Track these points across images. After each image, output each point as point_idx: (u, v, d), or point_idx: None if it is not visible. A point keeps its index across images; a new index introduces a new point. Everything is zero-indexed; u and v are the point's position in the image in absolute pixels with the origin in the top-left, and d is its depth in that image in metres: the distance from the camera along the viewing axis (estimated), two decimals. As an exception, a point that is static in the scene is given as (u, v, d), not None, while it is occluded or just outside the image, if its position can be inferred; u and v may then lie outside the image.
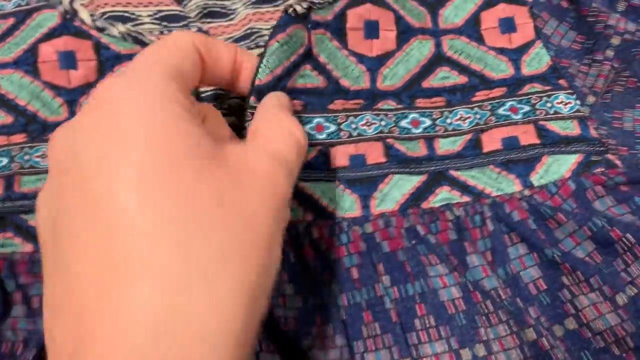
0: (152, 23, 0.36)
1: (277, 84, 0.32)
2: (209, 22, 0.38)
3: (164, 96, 0.22)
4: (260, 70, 0.31)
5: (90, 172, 0.20)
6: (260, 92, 0.32)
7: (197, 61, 0.26)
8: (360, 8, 0.34)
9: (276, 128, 0.26)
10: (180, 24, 0.36)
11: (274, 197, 0.22)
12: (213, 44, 0.27)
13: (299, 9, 0.33)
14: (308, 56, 0.33)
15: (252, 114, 0.31)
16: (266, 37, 0.35)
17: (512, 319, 0.28)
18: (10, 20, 0.34)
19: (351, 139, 0.33)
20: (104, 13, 0.36)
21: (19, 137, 0.32)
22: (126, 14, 0.36)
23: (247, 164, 0.22)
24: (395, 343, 0.27)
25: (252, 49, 0.36)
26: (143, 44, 0.33)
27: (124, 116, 0.21)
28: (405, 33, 0.34)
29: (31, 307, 0.28)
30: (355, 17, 0.34)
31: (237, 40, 0.36)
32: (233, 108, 0.33)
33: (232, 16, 0.38)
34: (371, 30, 0.34)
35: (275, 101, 0.29)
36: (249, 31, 0.36)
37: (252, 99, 0.32)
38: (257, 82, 0.32)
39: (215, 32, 0.37)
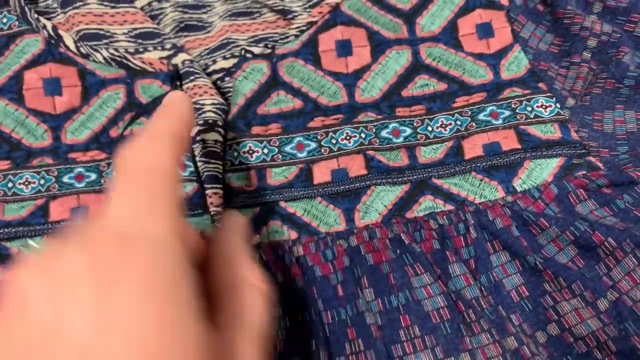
0: (128, 41, 0.37)
1: (248, 111, 0.34)
2: (185, 36, 0.38)
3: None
4: (230, 106, 0.33)
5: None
6: (235, 125, 0.34)
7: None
8: (330, 31, 0.35)
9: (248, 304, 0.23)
10: (156, 40, 0.37)
11: None
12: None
13: (257, 50, 0.35)
14: (278, 83, 0.34)
15: (231, 146, 0.33)
16: (241, 45, 0.36)
17: (494, 327, 0.28)
18: None
19: (332, 154, 0.33)
20: (78, 31, 0.36)
21: (3, 164, 0.33)
22: (101, 32, 0.37)
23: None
24: (377, 358, 0.28)
25: (227, 58, 0.36)
26: (128, 68, 0.34)
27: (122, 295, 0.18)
28: (379, 46, 0.35)
29: None
30: (326, 40, 0.35)
31: (213, 50, 0.37)
32: (209, 123, 0.34)
33: (209, 29, 0.39)
34: (344, 48, 0.35)
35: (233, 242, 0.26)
36: (225, 41, 0.37)
37: (229, 135, 0.34)
38: (229, 116, 0.34)
39: (192, 45, 0.38)
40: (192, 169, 0.33)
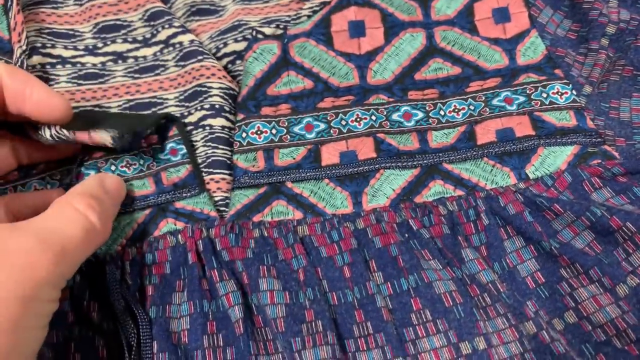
0: (144, 26, 0.37)
1: (257, 91, 0.34)
2: (197, 20, 0.39)
3: None
4: (241, 87, 0.34)
5: None
6: (244, 105, 0.34)
7: None
8: (344, 11, 0.36)
9: (62, 207, 0.26)
10: (164, 18, 0.37)
11: (26, 281, 0.22)
12: None
13: (268, 31, 0.36)
14: (288, 63, 0.35)
15: (240, 127, 0.33)
16: (253, 25, 0.37)
17: (510, 312, 0.28)
18: None
19: (341, 135, 0.33)
20: (96, 24, 0.37)
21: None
22: (118, 22, 0.37)
23: (4, 244, 0.23)
24: (387, 342, 0.27)
25: (239, 41, 0.37)
26: None
27: None
28: (393, 28, 0.35)
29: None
30: (339, 20, 0.36)
31: (224, 32, 0.37)
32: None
33: (221, 12, 0.39)
34: (357, 29, 0.35)
35: (86, 187, 0.28)
36: (236, 23, 0.37)
37: (239, 116, 0.34)
38: (239, 98, 0.34)
39: (203, 29, 0.38)
40: (184, 151, 0.33)
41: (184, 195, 0.32)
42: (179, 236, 0.30)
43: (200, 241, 0.30)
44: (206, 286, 0.29)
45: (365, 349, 0.27)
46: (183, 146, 0.33)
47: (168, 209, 0.31)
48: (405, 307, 0.28)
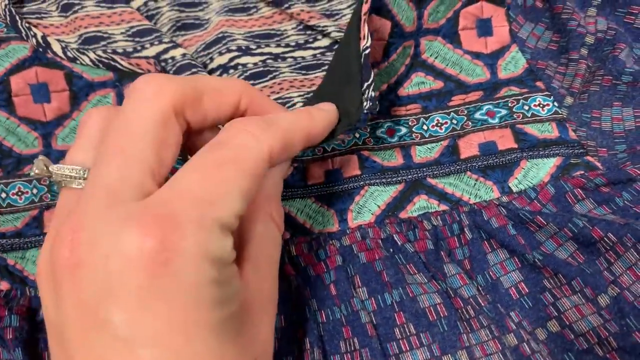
0: (125, 40, 0.39)
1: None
2: (182, 35, 0.40)
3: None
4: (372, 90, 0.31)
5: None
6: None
7: (177, 134, 0.25)
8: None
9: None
10: (153, 36, 0.39)
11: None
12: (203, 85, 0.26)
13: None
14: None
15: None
16: (238, 42, 0.38)
17: (493, 324, 0.29)
18: None
19: (326, 154, 0.35)
20: (80, 35, 0.38)
21: None
22: (99, 34, 0.39)
23: None
24: (372, 357, 0.29)
25: (223, 53, 0.38)
26: (116, 70, 0.36)
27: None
28: (394, 45, 0.36)
29: (4, 337, 0.30)
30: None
31: (209, 45, 0.39)
32: None
33: (205, 25, 0.40)
34: None
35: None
36: (220, 35, 0.39)
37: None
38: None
39: (189, 43, 0.40)
40: None
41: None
42: None
43: None
44: None
45: None
46: None
47: None
48: (388, 322, 0.29)
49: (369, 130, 0.35)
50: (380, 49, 0.36)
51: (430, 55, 0.37)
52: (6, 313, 0.30)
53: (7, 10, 0.37)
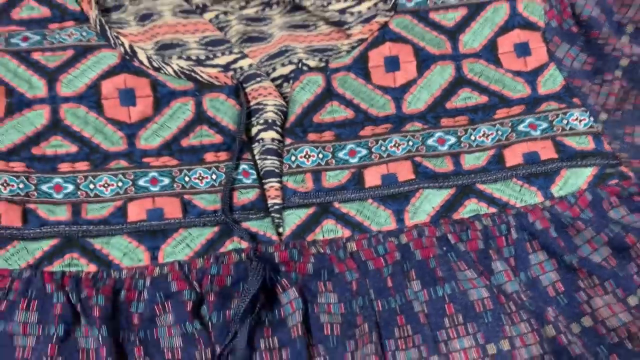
0: (199, 48, 0.42)
1: (304, 119, 0.39)
2: (248, 46, 0.44)
3: None
4: (288, 115, 0.38)
5: None
6: (292, 131, 0.38)
7: None
8: (380, 48, 0.40)
9: None
10: (224, 46, 0.42)
11: None
12: None
13: (312, 63, 0.40)
14: (332, 95, 0.39)
15: (289, 151, 0.38)
16: (299, 55, 0.42)
17: (533, 317, 0.33)
18: (70, 52, 0.40)
19: (382, 160, 0.38)
20: (157, 42, 0.42)
21: (83, 165, 0.38)
22: (175, 41, 0.42)
23: None
24: (423, 342, 0.32)
25: (285, 65, 0.42)
26: (196, 81, 0.39)
27: None
28: (425, 61, 0.40)
29: (91, 315, 0.34)
30: (376, 56, 0.40)
31: (272, 56, 0.42)
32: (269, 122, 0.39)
33: (269, 39, 0.44)
34: (392, 64, 0.40)
35: None
36: (283, 49, 0.42)
37: (287, 140, 0.38)
38: (287, 124, 0.38)
39: (254, 54, 0.43)
40: (255, 176, 0.38)
41: (251, 217, 0.37)
42: (243, 254, 0.35)
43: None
44: (264, 299, 0.34)
45: (404, 348, 0.32)
46: (254, 171, 0.37)
47: (235, 228, 0.36)
48: (439, 312, 0.33)
49: (421, 138, 0.38)
50: (413, 68, 0.40)
51: (475, 75, 0.40)
52: (93, 293, 0.34)
53: (97, 20, 0.40)
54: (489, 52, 0.41)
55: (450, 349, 0.32)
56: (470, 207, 0.37)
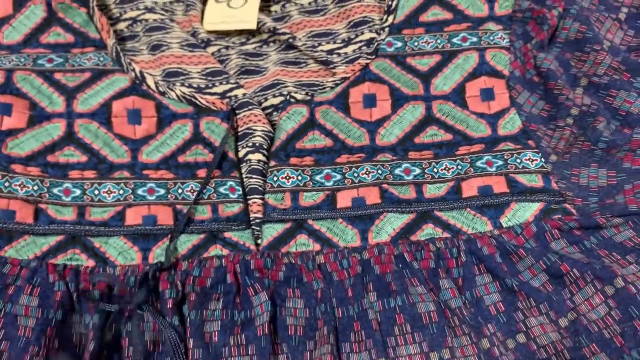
0: (200, 78, 0.47)
1: (288, 145, 0.43)
2: (245, 78, 0.49)
3: None
4: (274, 140, 0.43)
5: None
6: (276, 155, 0.43)
7: None
8: (360, 86, 0.45)
9: None
10: (222, 77, 0.47)
11: None
12: None
13: (299, 96, 0.45)
14: (314, 125, 0.44)
15: (272, 172, 0.43)
16: (289, 88, 0.46)
17: (473, 331, 0.36)
18: (87, 75, 0.45)
19: (353, 185, 0.42)
20: (164, 69, 0.47)
21: (90, 174, 0.43)
22: (180, 70, 0.47)
23: None
24: (374, 346, 0.36)
25: (276, 96, 0.46)
26: (195, 105, 0.44)
27: None
28: (399, 100, 0.45)
29: (88, 309, 0.38)
30: (356, 93, 0.45)
31: (265, 88, 0.47)
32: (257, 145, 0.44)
33: (264, 72, 0.49)
34: (369, 101, 0.45)
35: None
36: (275, 82, 0.47)
37: (271, 162, 0.43)
38: (273, 148, 0.43)
39: (249, 85, 0.48)
40: (240, 192, 0.42)
41: (233, 228, 0.41)
42: (223, 260, 0.40)
43: (238, 265, 0.39)
44: (238, 300, 0.38)
45: (357, 350, 0.36)
46: (240, 188, 0.42)
47: (218, 237, 0.41)
48: (390, 321, 0.37)
49: (389, 168, 0.43)
50: (388, 106, 0.45)
51: (442, 114, 0.44)
52: (90, 285, 0.39)
53: (114, 47, 0.46)
54: (457, 95, 0.45)
55: (397, 354, 0.36)
56: (427, 231, 0.41)
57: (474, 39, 0.46)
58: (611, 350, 0.35)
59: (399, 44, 0.47)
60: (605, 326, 0.36)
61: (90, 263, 0.40)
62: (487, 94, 0.45)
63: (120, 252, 0.40)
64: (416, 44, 0.47)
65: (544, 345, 0.36)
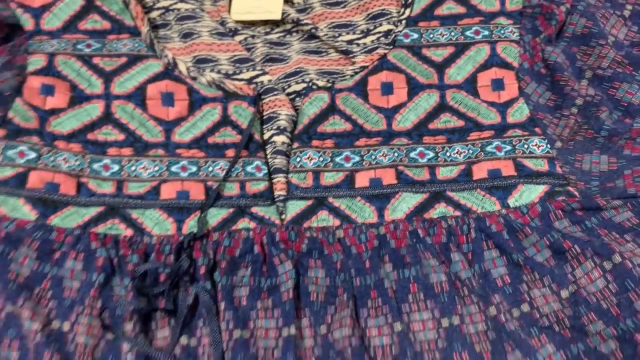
0: (228, 64, 0.50)
1: (310, 128, 0.46)
2: (270, 65, 0.52)
3: None
4: (297, 124, 0.46)
5: None
6: (299, 137, 0.46)
7: None
8: (378, 74, 0.48)
9: None
10: (249, 64, 0.50)
11: None
12: None
13: (320, 83, 0.48)
14: (334, 110, 0.47)
15: (295, 153, 0.46)
16: (311, 75, 0.49)
17: (481, 301, 0.39)
18: (123, 59, 0.48)
19: (371, 166, 0.45)
20: (195, 56, 0.50)
21: (127, 151, 0.46)
22: (209, 57, 0.50)
23: None
24: (390, 312, 0.39)
25: (298, 83, 0.49)
26: (224, 90, 0.47)
27: None
28: (415, 89, 0.48)
29: (126, 269, 0.41)
30: (374, 81, 0.48)
31: (288, 75, 0.50)
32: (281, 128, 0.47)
33: (287, 61, 0.52)
34: (387, 89, 0.48)
35: None
36: (298, 69, 0.50)
37: (295, 144, 0.46)
38: (296, 131, 0.46)
39: (274, 72, 0.51)
40: (266, 171, 0.45)
41: (259, 203, 0.44)
42: (250, 232, 0.43)
43: (265, 237, 0.42)
44: (265, 268, 0.42)
45: (374, 315, 0.39)
46: (265, 167, 0.45)
47: (246, 212, 0.44)
48: (404, 290, 0.40)
49: (405, 151, 0.46)
50: (404, 94, 0.48)
51: (455, 102, 0.47)
52: (129, 252, 0.42)
53: (148, 34, 0.49)
54: (469, 85, 0.48)
55: (411, 319, 0.39)
56: (439, 210, 0.44)
57: (486, 33, 0.49)
58: (608, 319, 0.38)
59: (415, 36, 0.50)
60: (603, 297, 0.39)
61: (129, 232, 0.43)
62: (498, 84, 0.48)
63: (156, 223, 0.43)
64: (431, 36, 0.50)
65: (546, 314, 0.39)
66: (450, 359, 0.38)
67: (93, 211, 0.43)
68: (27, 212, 0.43)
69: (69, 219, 0.43)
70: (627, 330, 0.37)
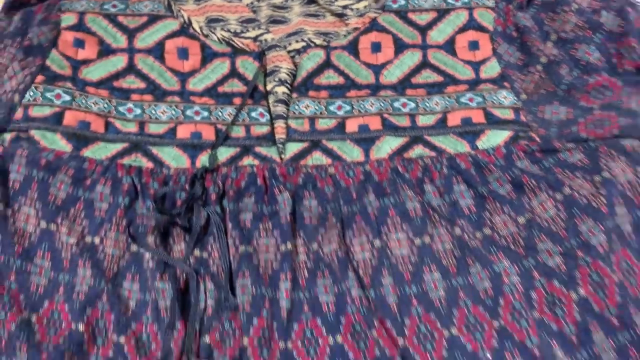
0: (236, 24, 0.57)
1: (307, 81, 0.53)
2: (273, 26, 0.58)
3: None
4: (296, 77, 0.52)
5: None
6: (298, 88, 0.52)
7: None
8: (369, 35, 0.54)
9: None
10: (255, 24, 0.57)
11: None
12: None
13: (317, 42, 0.54)
14: (329, 65, 0.54)
15: (294, 102, 0.52)
16: (309, 35, 0.56)
17: (449, 224, 0.46)
18: (144, 19, 0.55)
19: (359, 114, 0.52)
20: (207, 16, 0.57)
21: (148, 97, 0.53)
22: (220, 17, 0.57)
23: None
24: (370, 232, 0.46)
25: (298, 42, 0.56)
26: (232, 47, 0.54)
27: None
28: (400, 48, 0.54)
29: (147, 193, 0.48)
30: (365, 41, 0.54)
31: (290, 35, 0.57)
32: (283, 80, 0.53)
33: (288, 22, 0.58)
34: (376, 47, 0.54)
35: None
36: (298, 30, 0.57)
37: (294, 94, 0.52)
38: (295, 83, 0.52)
39: (277, 32, 0.58)
40: (268, 117, 0.52)
41: (262, 144, 0.51)
42: (254, 168, 0.50)
43: (266, 172, 0.49)
44: (266, 198, 0.48)
45: (357, 235, 0.46)
46: (268, 114, 0.52)
47: (250, 151, 0.50)
48: (383, 214, 0.47)
49: (389, 102, 0.53)
50: (391, 52, 0.54)
51: (436, 61, 0.54)
52: (150, 180, 0.49)
53: None
54: (449, 45, 0.55)
55: (389, 239, 0.46)
56: (417, 151, 0.50)
57: (465, 0, 0.56)
58: (556, 240, 0.45)
59: (402, 2, 0.56)
60: (554, 223, 0.45)
61: (150, 165, 0.50)
62: (474, 45, 0.54)
63: (174, 158, 0.50)
64: (416, 2, 0.56)
65: (505, 236, 0.46)
66: (421, 271, 0.45)
67: (119, 146, 0.50)
68: (63, 145, 0.49)
69: (98, 152, 0.50)
70: (571, 248, 0.44)
